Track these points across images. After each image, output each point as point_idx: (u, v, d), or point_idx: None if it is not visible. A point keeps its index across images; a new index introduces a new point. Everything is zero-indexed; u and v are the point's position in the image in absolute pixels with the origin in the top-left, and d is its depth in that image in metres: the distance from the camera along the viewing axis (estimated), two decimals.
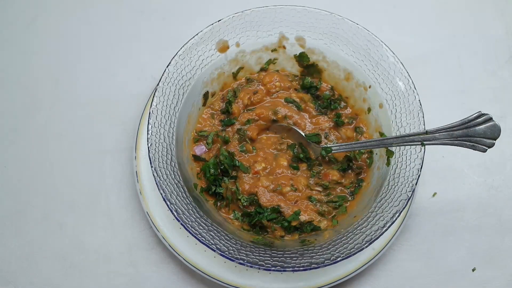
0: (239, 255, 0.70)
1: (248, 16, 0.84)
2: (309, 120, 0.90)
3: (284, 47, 0.89)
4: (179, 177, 0.76)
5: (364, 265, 0.83)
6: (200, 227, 0.72)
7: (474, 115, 0.71)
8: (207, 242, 0.70)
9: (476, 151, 0.71)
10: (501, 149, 0.96)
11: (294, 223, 0.82)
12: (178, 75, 0.81)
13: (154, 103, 0.78)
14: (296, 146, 0.88)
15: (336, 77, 0.91)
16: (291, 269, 0.70)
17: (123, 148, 0.95)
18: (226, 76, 0.90)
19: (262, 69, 0.93)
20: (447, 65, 1.05)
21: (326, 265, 0.70)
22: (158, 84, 0.79)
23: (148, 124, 0.76)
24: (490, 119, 0.71)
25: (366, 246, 0.70)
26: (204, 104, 0.89)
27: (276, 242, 0.78)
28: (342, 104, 0.92)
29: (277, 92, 0.92)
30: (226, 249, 0.71)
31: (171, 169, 0.76)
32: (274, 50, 0.90)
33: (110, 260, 0.88)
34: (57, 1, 1.08)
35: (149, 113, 0.77)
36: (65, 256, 0.88)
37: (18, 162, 0.94)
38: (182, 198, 0.74)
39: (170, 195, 0.73)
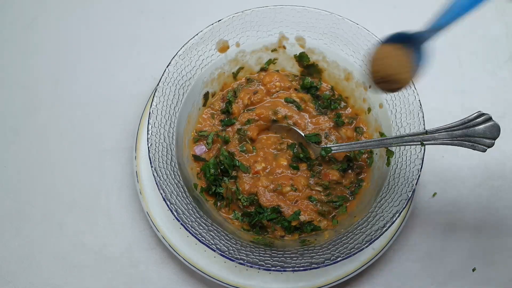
0: (239, 255, 0.70)
1: (248, 16, 0.84)
2: (309, 120, 0.90)
3: (284, 47, 0.89)
4: (179, 177, 0.76)
5: (364, 265, 0.83)
6: (200, 227, 0.72)
7: (474, 115, 0.71)
8: (207, 242, 0.70)
9: (476, 151, 0.71)
10: (501, 149, 0.96)
11: (294, 223, 0.82)
12: (178, 75, 0.81)
13: (154, 103, 0.78)
14: (296, 146, 0.88)
15: (336, 77, 0.91)
16: (291, 269, 0.70)
17: (123, 148, 0.95)
18: (226, 76, 0.90)
19: (262, 69, 0.93)
20: (447, 65, 1.05)
21: (326, 265, 0.70)
22: (158, 84, 0.79)
23: (148, 124, 0.76)
24: (490, 119, 0.71)
25: (366, 246, 0.70)
26: (204, 104, 0.89)
27: (276, 242, 0.78)
28: (342, 104, 0.92)
29: (277, 92, 0.92)
30: (226, 249, 0.71)
31: (171, 169, 0.76)
32: (274, 50, 0.90)
33: (110, 260, 0.88)
34: (57, 1, 1.08)
35: (149, 113, 0.77)
36: (65, 256, 0.88)
37: (18, 162, 0.94)
38: (182, 198, 0.74)
39: (170, 195, 0.73)
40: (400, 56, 0.64)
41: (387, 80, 0.66)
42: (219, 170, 0.85)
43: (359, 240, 0.72)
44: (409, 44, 0.64)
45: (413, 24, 1.07)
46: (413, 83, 0.79)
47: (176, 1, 1.08)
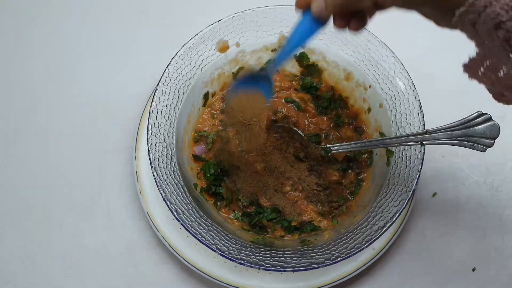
0: (239, 255, 0.70)
1: (248, 16, 0.84)
2: (309, 120, 0.90)
3: None
4: (179, 177, 0.76)
5: (364, 265, 0.83)
6: (200, 227, 0.72)
7: (474, 115, 0.71)
8: (207, 242, 0.70)
9: (476, 151, 0.71)
10: (501, 149, 0.96)
11: (294, 223, 0.82)
12: (178, 75, 0.81)
13: (154, 103, 0.78)
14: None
15: (336, 77, 0.91)
16: (291, 269, 0.70)
17: (123, 148, 0.95)
18: (226, 76, 0.90)
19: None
20: (447, 65, 1.04)
21: (326, 265, 0.70)
22: (158, 84, 0.79)
23: (148, 124, 0.76)
24: (490, 118, 0.71)
25: (366, 246, 0.70)
26: (204, 104, 0.89)
27: (276, 242, 0.78)
28: (342, 104, 0.92)
29: (277, 92, 0.92)
30: (226, 249, 0.71)
31: (171, 169, 0.76)
32: (274, 50, 0.90)
33: (110, 260, 0.88)
34: (57, 1, 1.08)
35: (149, 113, 0.77)
36: (65, 256, 0.88)
37: (18, 162, 0.94)
38: (182, 198, 0.74)
39: (170, 195, 0.73)
40: (252, 99, 0.73)
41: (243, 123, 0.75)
42: (219, 170, 0.85)
43: (359, 240, 0.72)
44: (257, 82, 0.71)
45: (413, 24, 1.08)
46: (413, 83, 0.80)
47: (176, 1, 1.08)
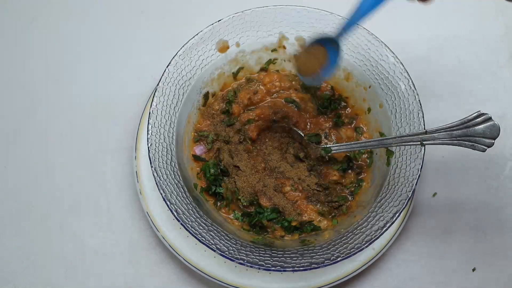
0: (239, 255, 0.70)
1: (248, 16, 0.84)
2: (309, 120, 0.90)
3: (284, 47, 0.89)
4: (179, 177, 0.76)
5: (364, 265, 0.83)
6: (200, 227, 0.72)
7: (474, 115, 0.71)
8: (207, 242, 0.70)
9: (476, 151, 0.71)
10: (501, 149, 0.96)
11: (294, 223, 0.82)
12: (178, 75, 0.81)
13: (154, 103, 0.78)
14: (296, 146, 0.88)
15: (336, 77, 0.91)
16: (291, 269, 0.70)
17: (123, 148, 0.95)
18: (226, 76, 0.90)
19: (262, 69, 0.93)
20: (447, 65, 1.05)
21: (326, 265, 0.70)
22: (158, 84, 0.79)
23: (148, 124, 0.76)
24: (490, 118, 0.71)
25: (366, 246, 0.70)
26: (204, 104, 0.89)
27: (276, 242, 0.78)
28: (342, 104, 0.92)
29: (277, 92, 0.92)
30: (226, 249, 0.71)
31: (171, 169, 0.76)
32: (274, 50, 0.90)
33: (110, 260, 0.88)
34: (57, 1, 1.08)
35: (149, 113, 0.77)
36: (65, 256, 0.88)
37: (18, 162, 0.94)
38: (182, 198, 0.74)
39: (170, 195, 0.73)
40: (319, 54, 0.77)
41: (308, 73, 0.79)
42: (219, 170, 0.85)
43: (359, 240, 0.72)
44: (328, 43, 0.76)
45: (413, 24, 1.08)
46: (413, 83, 0.80)
47: (176, 1, 1.08)
